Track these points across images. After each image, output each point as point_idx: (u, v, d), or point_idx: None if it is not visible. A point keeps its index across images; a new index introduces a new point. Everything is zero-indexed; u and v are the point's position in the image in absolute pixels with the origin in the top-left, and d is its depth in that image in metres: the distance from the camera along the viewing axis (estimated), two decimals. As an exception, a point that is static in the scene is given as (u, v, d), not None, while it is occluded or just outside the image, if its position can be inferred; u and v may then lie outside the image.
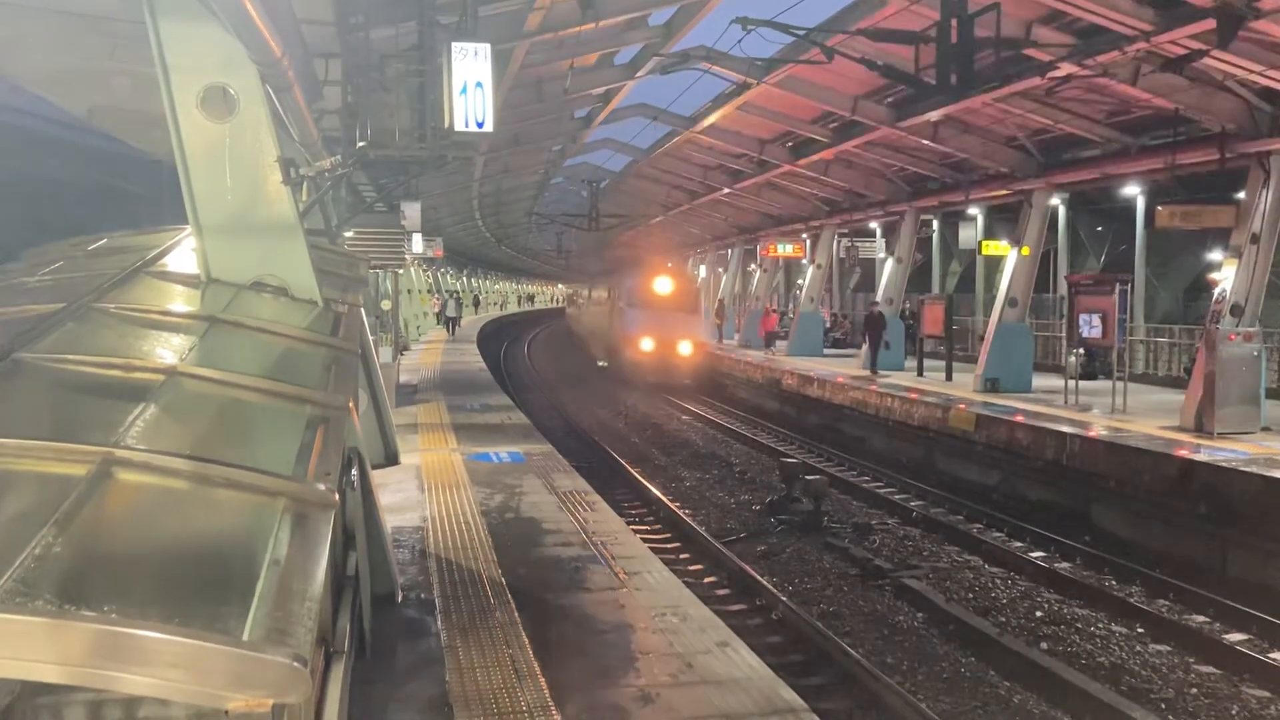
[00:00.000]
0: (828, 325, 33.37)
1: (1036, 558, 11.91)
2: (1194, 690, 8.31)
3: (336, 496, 2.93)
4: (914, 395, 18.90)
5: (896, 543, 12.83)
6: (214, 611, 2.08)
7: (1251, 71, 13.03)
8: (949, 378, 22.03)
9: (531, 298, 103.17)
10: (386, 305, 21.04)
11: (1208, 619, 9.89)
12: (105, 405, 3.23)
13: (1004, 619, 10.01)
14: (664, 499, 14.55)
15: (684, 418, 24.76)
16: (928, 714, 7.45)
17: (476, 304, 67.59)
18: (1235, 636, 9.35)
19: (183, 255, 5.89)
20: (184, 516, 2.64)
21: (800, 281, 38.38)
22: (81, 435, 2.78)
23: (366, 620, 5.63)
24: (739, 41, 17.28)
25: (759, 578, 10.66)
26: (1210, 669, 8.72)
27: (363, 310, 7.47)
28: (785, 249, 33.66)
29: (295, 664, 1.91)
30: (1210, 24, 11.69)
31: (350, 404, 4.21)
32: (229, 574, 2.34)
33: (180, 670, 1.87)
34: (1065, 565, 11.74)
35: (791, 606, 9.74)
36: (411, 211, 15.71)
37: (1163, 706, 7.99)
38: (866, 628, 9.75)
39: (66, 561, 2.08)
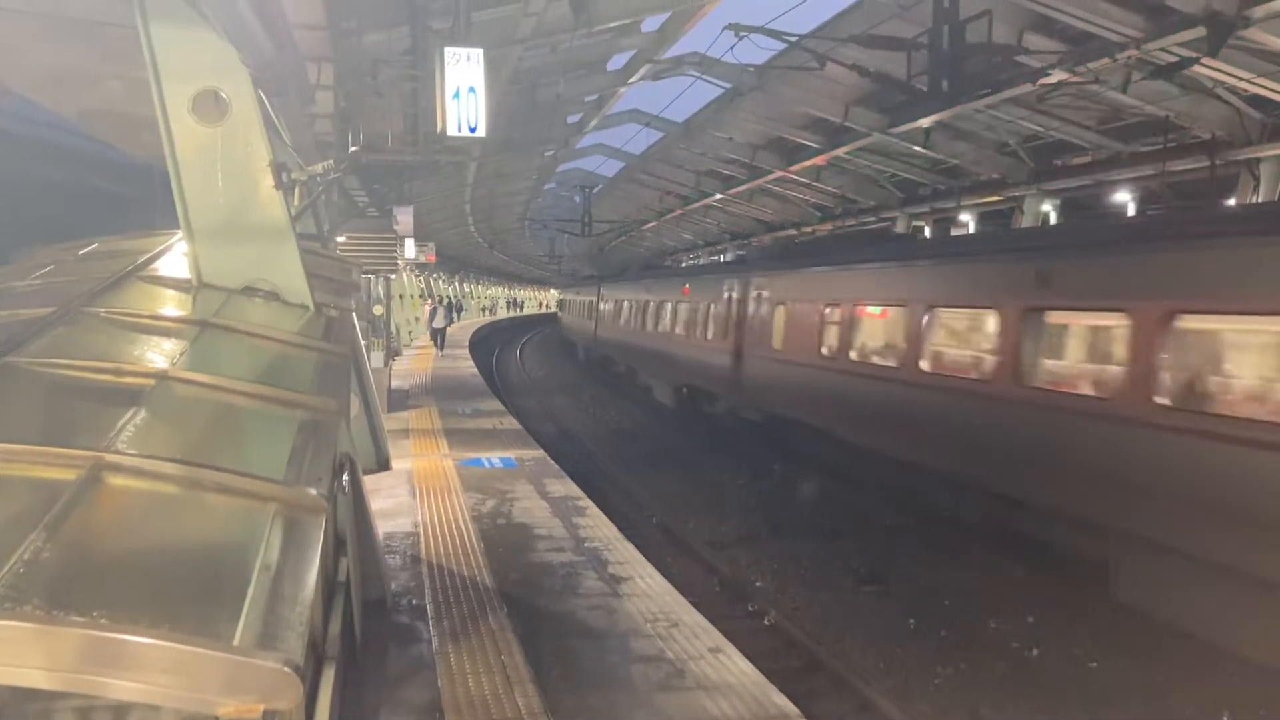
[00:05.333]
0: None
1: None
2: None
3: (328, 502, 2.92)
4: None
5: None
6: (205, 616, 2.07)
7: (1241, 79, 13.11)
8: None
9: (521, 304, 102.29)
10: (379, 310, 21.04)
11: None
12: (96, 410, 3.20)
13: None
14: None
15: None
16: None
17: (459, 310, 61.51)
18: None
19: (174, 259, 5.87)
20: (175, 521, 2.63)
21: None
22: (72, 440, 2.77)
23: (358, 626, 5.61)
24: (731, 48, 17.42)
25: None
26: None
27: (354, 315, 7.45)
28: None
29: (286, 669, 1.90)
30: (1200, 31, 11.76)
31: (342, 409, 4.20)
32: (220, 579, 2.33)
33: (170, 675, 1.85)
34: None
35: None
36: (404, 216, 15.72)
37: None
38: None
39: (56, 566, 2.07)
